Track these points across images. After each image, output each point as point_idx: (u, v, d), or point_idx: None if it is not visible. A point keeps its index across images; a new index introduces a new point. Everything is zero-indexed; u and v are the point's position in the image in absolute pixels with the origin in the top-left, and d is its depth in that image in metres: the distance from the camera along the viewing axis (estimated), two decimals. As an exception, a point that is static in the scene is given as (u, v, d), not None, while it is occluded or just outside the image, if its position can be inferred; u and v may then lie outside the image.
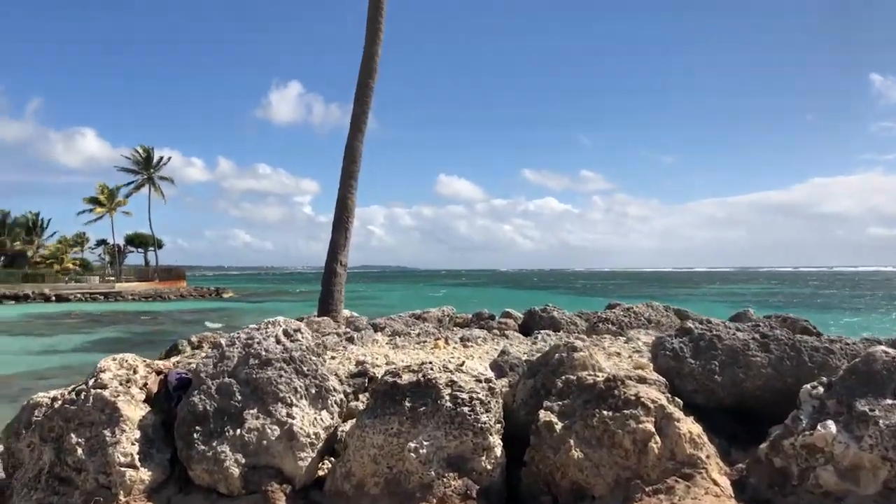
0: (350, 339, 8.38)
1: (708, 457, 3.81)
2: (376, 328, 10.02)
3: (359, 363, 6.48)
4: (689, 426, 3.87)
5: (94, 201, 72.83)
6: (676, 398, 4.20)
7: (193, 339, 12.39)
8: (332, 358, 6.96)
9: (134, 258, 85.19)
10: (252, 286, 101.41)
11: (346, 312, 13.55)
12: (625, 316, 10.68)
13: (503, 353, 5.83)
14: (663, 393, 4.12)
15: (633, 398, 3.95)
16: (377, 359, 6.83)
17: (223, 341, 4.79)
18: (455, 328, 10.93)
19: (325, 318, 11.94)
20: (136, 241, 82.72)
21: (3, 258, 72.60)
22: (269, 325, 4.90)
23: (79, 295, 58.75)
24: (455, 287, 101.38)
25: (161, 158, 75.30)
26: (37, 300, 55.62)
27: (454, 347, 7.85)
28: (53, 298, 56.42)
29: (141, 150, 73.99)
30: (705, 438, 3.89)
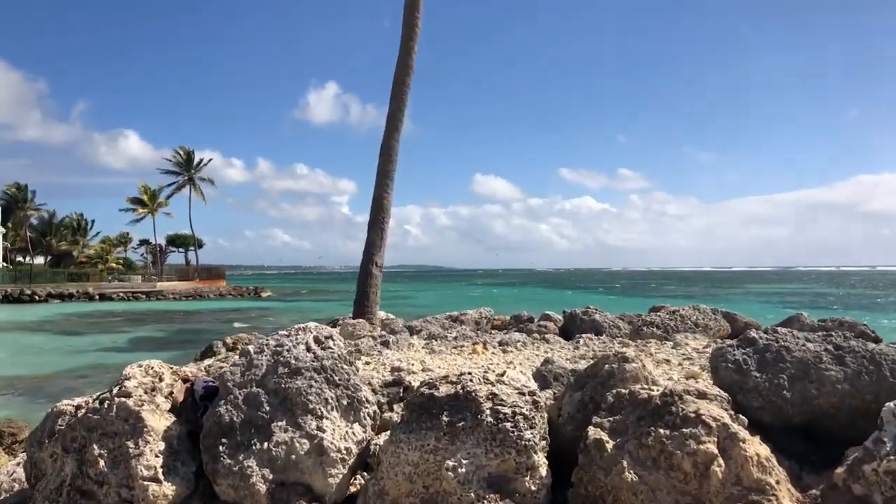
0: (385, 343, 8.14)
1: (778, 482, 3.43)
2: (412, 331, 9.77)
3: (394, 369, 6.21)
4: (756, 447, 3.50)
5: (137, 202, 74.40)
6: (741, 416, 3.83)
7: (229, 340, 12.36)
8: (367, 364, 6.72)
9: (175, 258, 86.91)
10: (290, 285, 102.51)
11: (381, 314, 13.36)
12: (670, 319, 10.24)
13: (547, 361, 5.49)
14: (726, 410, 3.75)
15: (692, 415, 3.59)
16: (413, 365, 6.56)
17: (251, 348, 4.55)
18: (493, 331, 10.63)
19: (361, 320, 11.76)
20: (178, 241, 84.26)
21: (49, 258, 74.71)
22: (300, 332, 4.65)
23: (121, 294, 59.96)
24: (491, 286, 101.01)
25: (201, 160, 76.69)
26: (81, 299, 56.93)
27: (493, 353, 7.53)
28: (97, 297, 57.71)
29: (182, 152, 75.40)
30: (774, 461, 3.52)
